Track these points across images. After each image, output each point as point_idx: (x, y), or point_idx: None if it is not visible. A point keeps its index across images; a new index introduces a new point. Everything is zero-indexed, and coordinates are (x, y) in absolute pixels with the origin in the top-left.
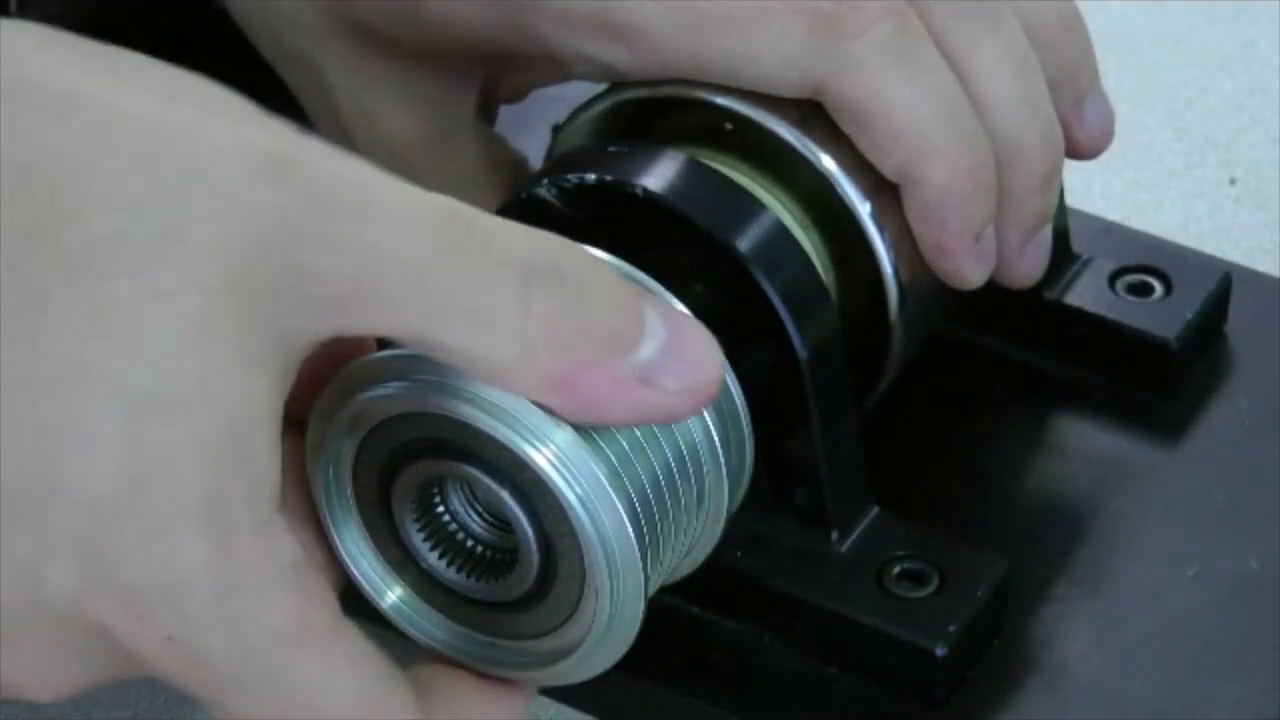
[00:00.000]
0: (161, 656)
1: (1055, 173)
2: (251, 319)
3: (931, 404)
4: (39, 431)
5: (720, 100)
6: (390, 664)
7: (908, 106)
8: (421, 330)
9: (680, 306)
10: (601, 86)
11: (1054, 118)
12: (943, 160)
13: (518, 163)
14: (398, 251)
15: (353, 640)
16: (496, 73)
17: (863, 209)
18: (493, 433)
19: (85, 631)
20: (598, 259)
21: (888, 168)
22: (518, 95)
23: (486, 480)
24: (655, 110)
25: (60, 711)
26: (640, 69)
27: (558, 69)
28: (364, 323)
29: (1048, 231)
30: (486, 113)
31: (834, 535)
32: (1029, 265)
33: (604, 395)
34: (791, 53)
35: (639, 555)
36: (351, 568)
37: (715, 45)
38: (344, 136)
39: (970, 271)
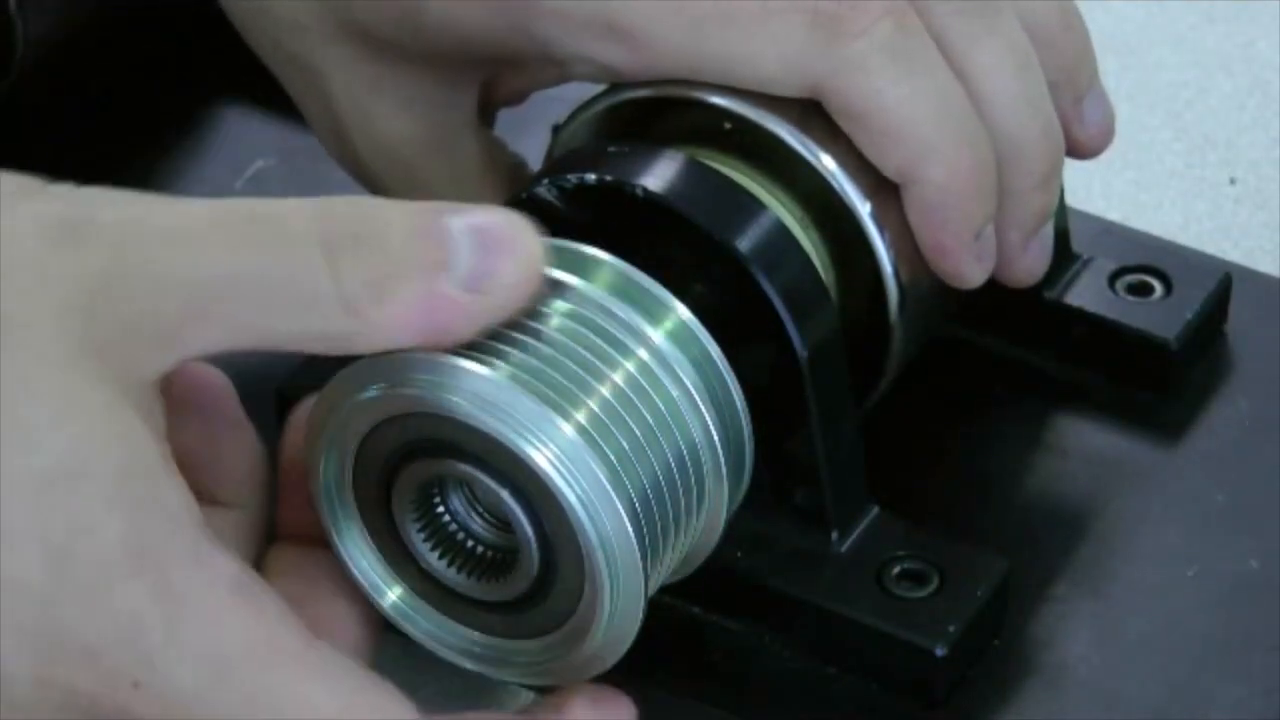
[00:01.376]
0: (136, 705)
1: (1056, 171)
2: (98, 375)
3: (931, 404)
4: None
5: (720, 100)
6: (372, 674)
7: (907, 106)
8: (257, 333)
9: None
10: (601, 87)
11: (1054, 116)
12: (942, 159)
13: (516, 165)
14: (204, 272)
15: (325, 653)
16: (495, 75)
17: (863, 209)
18: (493, 433)
19: (60, 705)
20: (386, 203)
21: (888, 167)
22: (517, 98)
23: (486, 480)
24: (655, 110)
25: None
26: (639, 69)
27: (556, 70)
28: (202, 344)
29: (1049, 230)
30: (485, 115)
31: (834, 535)
32: (1031, 264)
33: (445, 318)
34: (791, 53)
35: (639, 555)
36: (351, 568)
37: (714, 46)
38: (342, 140)
39: (970, 271)
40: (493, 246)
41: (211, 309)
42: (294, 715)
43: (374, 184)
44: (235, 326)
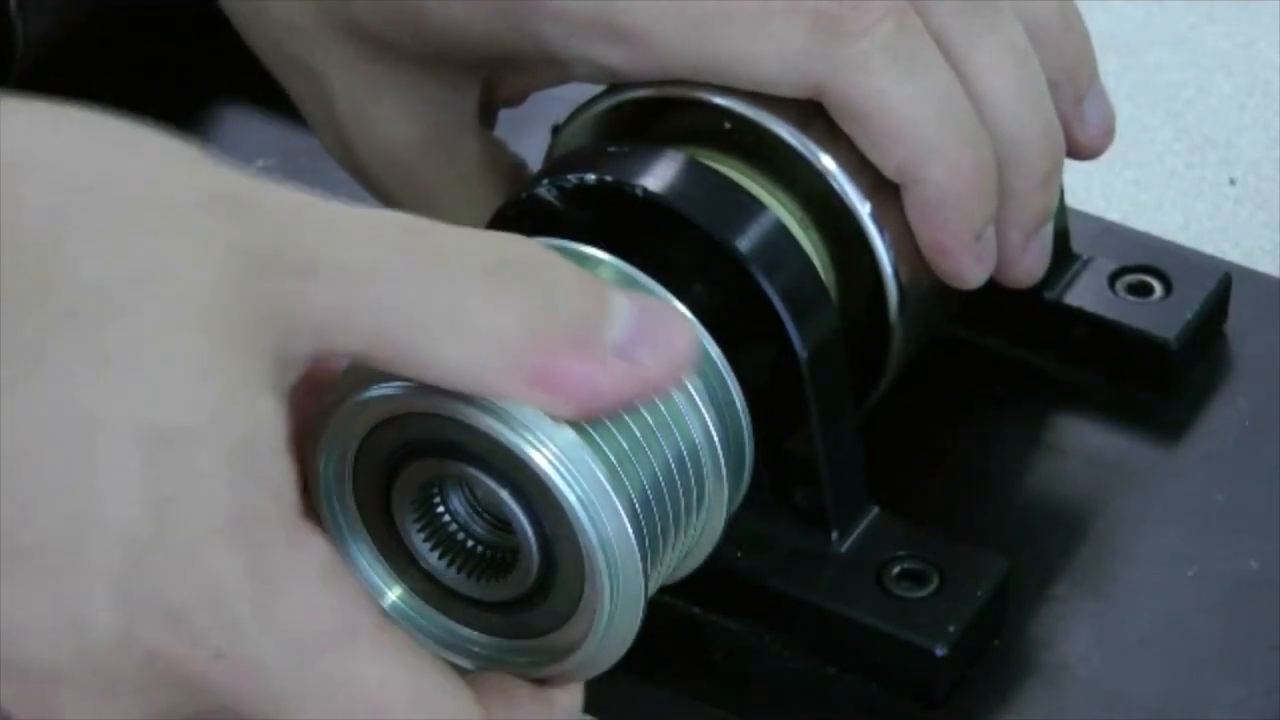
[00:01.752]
0: (215, 675)
1: (1056, 170)
2: (243, 345)
3: (931, 404)
4: (60, 480)
5: (720, 100)
6: (442, 661)
7: (908, 106)
8: (402, 344)
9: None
10: (601, 87)
11: (1054, 115)
12: (943, 159)
13: (517, 166)
14: (365, 269)
15: (401, 638)
16: (496, 76)
17: (863, 209)
18: (493, 433)
19: (138, 666)
20: (555, 252)
21: (888, 167)
22: (517, 98)
23: (486, 480)
24: (655, 110)
25: None
26: (640, 70)
27: (557, 71)
28: (345, 341)
29: (1049, 230)
30: (486, 116)
31: (834, 535)
32: (1031, 264)
33: (585, 378)
34: (791, 53)
35: (639, 556)
36: (351, 568)
37: (715, 46)
38: (343, 142)
39: (970, 271)
40: (652, 323)
41: (362, 304)
42: (369, 696)
43: (374, 185)
44: (383, 334)
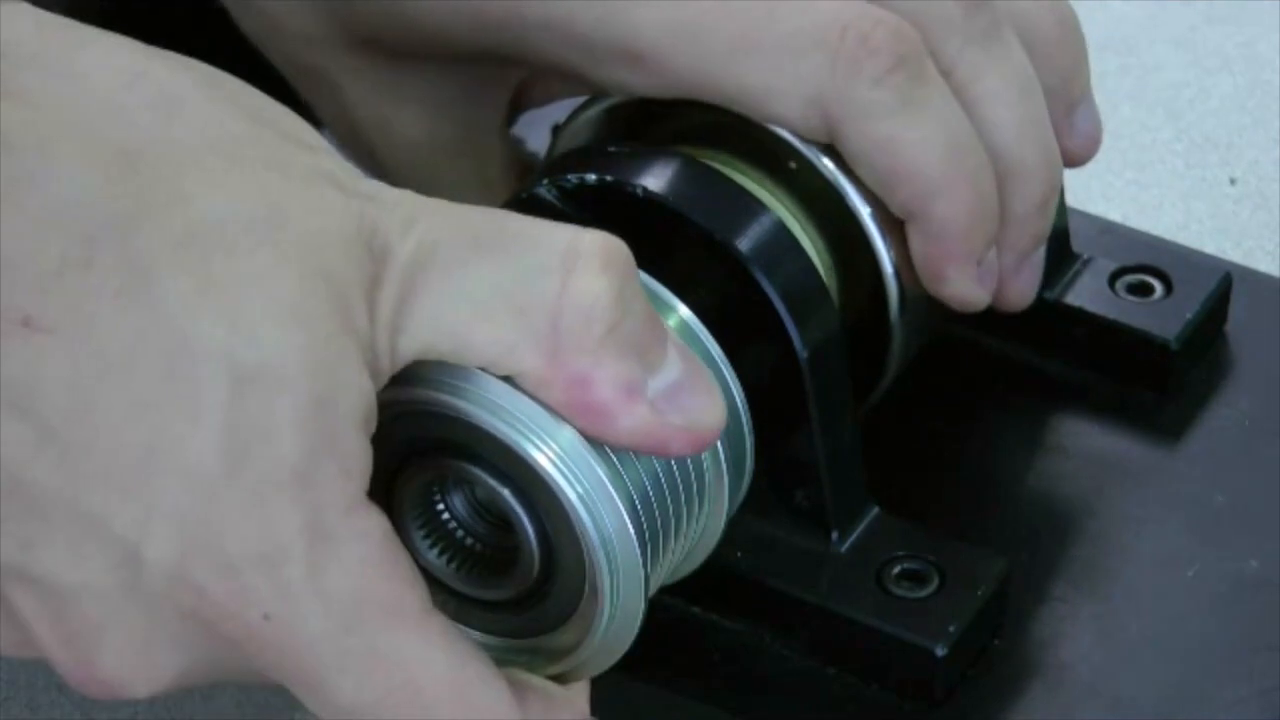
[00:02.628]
0: (260, 636)
1: (1054, 195)
2: (339, 307)
3: (931, 404)
4: (143, 401)
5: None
6: (485, 657)
7: (917, 148)
8: (458, 341)
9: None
10: None
11: (1054, 141)
12: (947, 196)
13: (531, 165)
14: (445, 251)
15: (447, 626)
16: (531, 80)
17: (863, 209)
18: (495, 432)
19: (183, 615)
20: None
21: (893, 204)
22: (547, 101)
23: (488, 479)
24: (655, 110)
25: (62, 711)
26: (664, 90)
27: (583, 86)
28: (422, 332)
29: (1041, 254)
30: (512, 115)
31: (834, 535)
32: (1022, 286)
33: (614, 403)
34: (812, 95)
35: (639, 555)
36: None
37: (737, 80)
38: (364, 146)
39: (973, 295)
40: (693, 390)
41: (435, 296)
42: (407, 676)
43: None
44: (449, 318)
